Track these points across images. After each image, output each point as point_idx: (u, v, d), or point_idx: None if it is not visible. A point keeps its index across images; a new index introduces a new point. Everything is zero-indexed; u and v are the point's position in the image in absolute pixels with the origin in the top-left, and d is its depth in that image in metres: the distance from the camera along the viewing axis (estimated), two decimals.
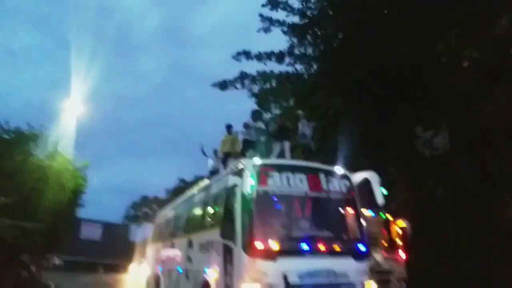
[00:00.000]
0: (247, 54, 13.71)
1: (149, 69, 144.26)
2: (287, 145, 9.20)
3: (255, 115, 10.40)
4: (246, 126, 10.00)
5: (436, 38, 9.07)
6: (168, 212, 13.96)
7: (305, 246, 6.26)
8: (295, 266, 6.07)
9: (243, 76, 14.04)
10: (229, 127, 11.37)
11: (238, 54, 13.78)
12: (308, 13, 13.22)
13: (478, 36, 8.29)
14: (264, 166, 6.88)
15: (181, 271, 9.86)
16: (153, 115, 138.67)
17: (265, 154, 9.39)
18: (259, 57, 13.83)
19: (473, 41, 8.34)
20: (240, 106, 14.17)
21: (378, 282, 7.11)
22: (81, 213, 21.63)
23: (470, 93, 9.99)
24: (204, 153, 12.01)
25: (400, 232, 10.60)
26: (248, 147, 9.60)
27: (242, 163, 6.60)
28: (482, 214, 10.99)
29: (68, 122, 15.04)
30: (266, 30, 13.53)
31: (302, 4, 13.16)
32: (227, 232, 6.49)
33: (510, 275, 8.97)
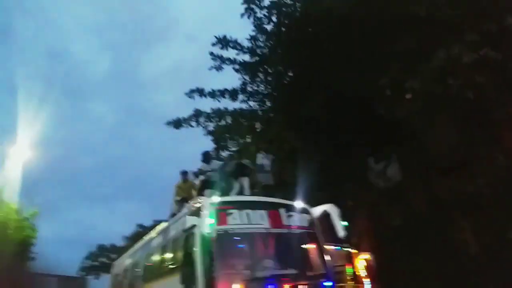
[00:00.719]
0: (200, 92, 13.58)
1: (102, 113, 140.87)
2: (246, 181, 8.94)
3: (206, 157, 10.21)
4: (200, 172, 9.74)
5: (380, 72, 9.38)
6: (125, 261, 13.11)
7: (270, 287, 5.83)
8: None
9: (197, 113, 13.81)
10: (184, 174, 10.85)
11: (192, 91, 13.61)
12: (258, 51, 13.42)
13: (418, 69, 8.63)
14: (223, 203, 6.61)
15: None
16: (107, 159, 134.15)
17: (225, 193, 9.02)
18: (213, 94, 13.74)
19: (413, 74, 8.67)
20: (196, 146, 13.81)
21: None
22: (34, 267, 19.90)
23: (414, 123, 10.30)
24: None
25: (365, 264, 10.41)
26: (205, 187, 9.24)
27: (199, 202, 6.21)
28: (439, 240, 11.06)
29: (13, 169, 13.89)
30: (218, 68, 13.53)
31: (251, 43, 13.30)
32: (187, 277, 6.02)
33: None
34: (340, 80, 10.50)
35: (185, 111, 14.25)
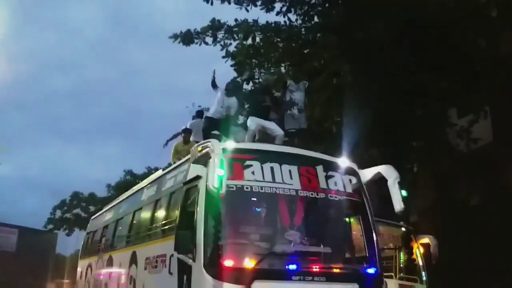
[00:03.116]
0: None
1: (82, 22, 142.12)
2: (273, 125, 8.87)
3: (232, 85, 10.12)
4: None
5: None
6: (106, 215, 13.72)
7: (292, 266, 5.99)
8: None
9: (215, 25, 13.57)
10: (186, 132, 10.75)
11: None
12: None
13: None
14: (240, 151, 6.64)
15: None
16: (87, 82, 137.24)
17: (241, 139, 9.09)
18: None
19: None
20: (200, 76, 13.75)
21: None
22: None
23: None
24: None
25: (423, 251, 10.54)
26: (215, 128, 9.30)
27: (208, 146, 6.24)
28: None
29: None
30: None
31: None
32: (184, 243, 6.17)
33: None
34: None
35: (191, 25, 14.09)
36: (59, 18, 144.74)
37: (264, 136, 8.86)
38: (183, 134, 10.80)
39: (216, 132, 9.48)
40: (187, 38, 14.03)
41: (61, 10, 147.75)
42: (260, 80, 13.81)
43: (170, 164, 10.46)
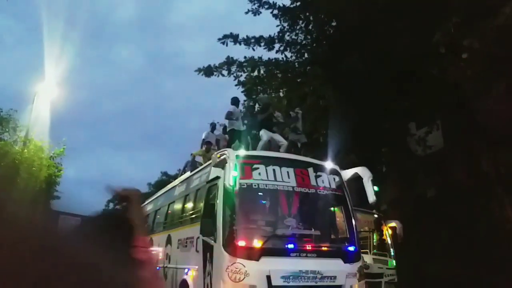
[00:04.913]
0: (234, 38, 13.18)
1: (126, 58, 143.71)
2: (276, 136, 8.86)
3: (234, 101, 10.00)
4: (229, 114, 9.58)
5: (435, 27, 8.80)
6: (147, 207, 13.61)
7: (290, 246, 5.97)
8: (279, 266, 5.78)
9: (229, 61, 13.55)
10: (208, 144, 10.47)
11: (225, 36, 13.25)
12: None
13: (480, 25, 8.02)
14: (249, 157, 6.63)
15: (158, 269, 9.53)
16: (130, 106, 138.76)
17: (252, 147, 9.05)
18: (247, 41, 13.35)
19: (473, 30, 8.07)
20: (220, 98, 13.77)
21: (367, 285, 6.86)
22: (57, 205, 21.16)
23: (467, 88, 9.79)
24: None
25: (391, 233, 10.43)
26: (232, 137, 9.25)
27: (225, 154, 6.24)
28: (475, 215, 10.85)
29: (41, 107, 14.41)
30: (255, 12, 13.06)
31: None
32: (207, 228, 6.17)
33: (505, 278, 8.82)
34: (389, 33, 9.99)
35: (210, 61, 14.11)
36: (108, 56, 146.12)
37: (270, 145, 8.85)
38: (205, 146, 10.62)
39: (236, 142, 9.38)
40: (208, 71, 13.99)
41: (109, 50, 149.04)
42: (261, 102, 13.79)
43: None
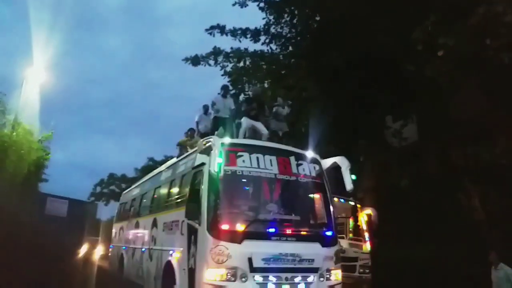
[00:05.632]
0: (221, 29, 13.07)
1: (113, 46, 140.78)
2: (259, 124, 8.78)
3: (225, 90, 9.83)
4: (213, 103, 9.45)
5: (414, 24, 8.88)
6: (134, 191, 13.55)
7: (271, 230, 6.02)
8: (260, 249, 5.82)
9: (216, 52, 13.46)
10: (192, 131, 10.56)
11: (212, 27, 13.13)
12: None
13: (455, 24, 8.13)
14: (234, 145, 6.60)
15: (144, 250, 9.51)
16: (118, 93, 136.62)
17: (236, 135, 8.98)
18: (234, 32, 13.25)
19: (449, 29, 8.17)
20: (205, 89, 13.61)
21: (343, 268, 6.97)
22: (46, 188, 20.89)
23: (442, 84, 9.94)
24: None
25: (366, 219, 10.59)
26: (217, 124, 9.14)
27: (210, 141, 6.22)
28: (445, 205, 11.12)
29: (30, 91, 14.04)
30: (242, 4, 12.98)
31: None
32: (192, 212, 6.15)
33: (470, 266, 9.10)
34: (369, 30, 10.03)
35: (198, 52, 13.95)
36: (96, 43, 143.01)
37: (253, 133, 8.79)
38: (189, 132, 10.68)
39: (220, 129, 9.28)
40: (195, 60, 13.87)
41: (97, 37, 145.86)
42: (249, 92, 13.70)
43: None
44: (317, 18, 12.91)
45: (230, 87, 13.06)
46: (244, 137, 8.57)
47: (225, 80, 14.31)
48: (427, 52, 9.13)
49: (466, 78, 9.37)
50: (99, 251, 26.42)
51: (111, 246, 15.17)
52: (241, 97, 14.14)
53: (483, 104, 9.95)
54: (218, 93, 9.54)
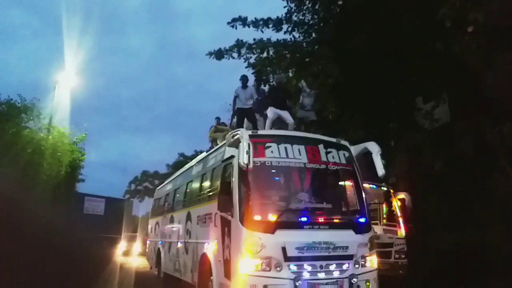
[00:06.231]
0: (243, 21, 13.00)
1: (137, 46, 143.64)
2: (286, 114, 8.73)
3: (243, 80, 9.66)
4: (234, 98, 9.31)
5: (442, 1, 8.53)
6: (167, 186, 13.82)
7: (303, 219, 6.02)
8: (293, 238, 5.83)
9: (239, 44, 13.43)
10: (218, 119, 11.07)
11: (234, 20, 13.07)
12: None
13: None
14: (261, 136, 6.61)
15: (180, 244, 9.73)
16: (143, 91, 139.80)
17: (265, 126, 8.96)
18: (256, 23, 13.17)
19: (478, 4, 7.79)
20: (230, 82, 13.55)
21: (378, 254, 6.90)
22: (83, 188, 21.65)
23: (472, 61, 9.55)
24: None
25: (400, 204, 10.41)
26: (239, 116, 9.13)
27: (238, 134, 6.26)
28: (482, 186, 10.75)
29: (62, 95, 14.56)
30: None
31: None
32: (224, 204, 6.22)
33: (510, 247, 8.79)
34: (395, 10, 9.73)
35: (219, 46, 13.96)
36: (119, 45, 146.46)
37: (280, 123, 8.76)
38: (216, 121, 11.07)
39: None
40: (219, 54, 13.90)
41: (121, 38, 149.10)
42: (274, 81, 13.58)
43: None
44: (340, 2, 12.66)
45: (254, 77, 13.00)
46: (272, 128, 8.58)
47: (249, 73, 14.31)
48: (456, 29, 8.76)
49: (499, 54, 8.94)
50: (137, 247, 27.17)
51: (148, 241, 15.58)
52: (266, 87, 14.10)
53: None
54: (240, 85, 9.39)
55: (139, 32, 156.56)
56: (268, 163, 6.35)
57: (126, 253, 26.51)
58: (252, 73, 14.39)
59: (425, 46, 10.21)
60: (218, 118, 11.30)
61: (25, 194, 9.81)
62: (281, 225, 5.84)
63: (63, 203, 14.16)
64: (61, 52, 15.62)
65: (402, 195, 10.61)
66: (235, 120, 9.47)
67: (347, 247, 6.06)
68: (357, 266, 6.10)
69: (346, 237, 6.15)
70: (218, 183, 7.05)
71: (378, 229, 9.40)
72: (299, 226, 5.97)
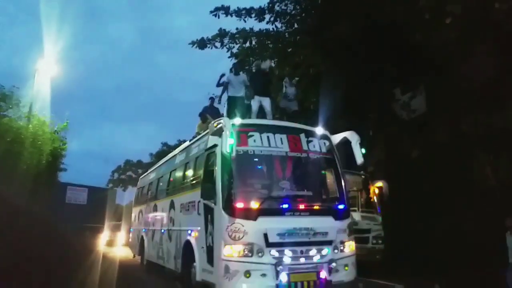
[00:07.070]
0: (226, 10, 12.88)
1: (118, 35, 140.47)
2: (267, 102, 8.73)
3: (237, 66, 9.51)
4: (225, 84, 9.18)
5: None
6: (150, 175, 13.77)
7: (285, 206, 6.11)
8: (275, 225, 5.93)
9: (222, 33, 13.32)
10: (203, 116, 10.39)
11: (217, 9, 12.94)
12: None
13: None
14: (244, 125, 6.64)
15: (163, 232, 9.73)
16: (125, 80, 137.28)
17: (247, 115, 8.92)
18: (239, 13, 13.06)
19: None
20: (213, 72, 13.42)
21: (356, 240, 7.06)
22: (65, 177, 21.21)
23: (449, 52, 9.72)
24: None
25: (378, 192, 10.62)
26: (229, 103, 9.07)
27: (221, 123, 6.26)
28: (456, 174, 11.04)
29: (42, 83, 14.14)
30: None
31: None
32: (208, 192, 6.29)
33: (483, 234, 9.09)
34: (375, 1, 9.78)
35: (202, 35, 13.78)
36: (100, 33, 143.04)
37: (261, 112, 8.76)
38: (201, 117, 10.47)
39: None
40: (202, 43, 13.78)
41: (102, 27, 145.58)
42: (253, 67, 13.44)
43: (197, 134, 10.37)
44: None
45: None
46: (257, 117, 8.59)
47: (231, 62, 14.22)
48: (434, 20, 8.88)
49: (475, 45, 9.13)
50: (121, 237, 26.88)
51: (131, 229, 15.51)
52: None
53: (493, 71, 9.72)
54: (230, 71, 9.25)
55: (120, 20, 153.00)
56: (250, 151, 6.40)
57: (110, 243, 26.22)
58: (234, 63, 14.33)
59: (404, 36, 10.32)
60: (212, 98, 10.77)
61: (3, 184, 9.58)
62: (263, 212, 5.92)
63: (44, 192, 13.87)
64: (40, 40, 15.15)
65: (379, 183, 10.82)
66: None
67: (326, 233, 6.19)
68: (336, 251, 6.25)
69: (326, 223, 6.27)
70: (201, 171, 7.08)
71: (356, 215, 9.62)
72: (280, 213, 6.06)
